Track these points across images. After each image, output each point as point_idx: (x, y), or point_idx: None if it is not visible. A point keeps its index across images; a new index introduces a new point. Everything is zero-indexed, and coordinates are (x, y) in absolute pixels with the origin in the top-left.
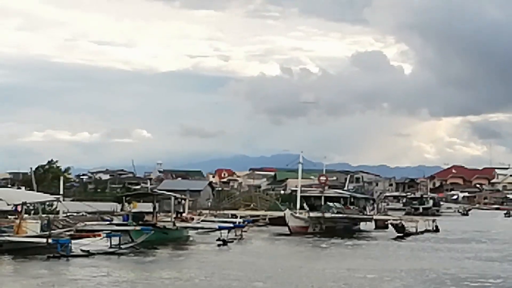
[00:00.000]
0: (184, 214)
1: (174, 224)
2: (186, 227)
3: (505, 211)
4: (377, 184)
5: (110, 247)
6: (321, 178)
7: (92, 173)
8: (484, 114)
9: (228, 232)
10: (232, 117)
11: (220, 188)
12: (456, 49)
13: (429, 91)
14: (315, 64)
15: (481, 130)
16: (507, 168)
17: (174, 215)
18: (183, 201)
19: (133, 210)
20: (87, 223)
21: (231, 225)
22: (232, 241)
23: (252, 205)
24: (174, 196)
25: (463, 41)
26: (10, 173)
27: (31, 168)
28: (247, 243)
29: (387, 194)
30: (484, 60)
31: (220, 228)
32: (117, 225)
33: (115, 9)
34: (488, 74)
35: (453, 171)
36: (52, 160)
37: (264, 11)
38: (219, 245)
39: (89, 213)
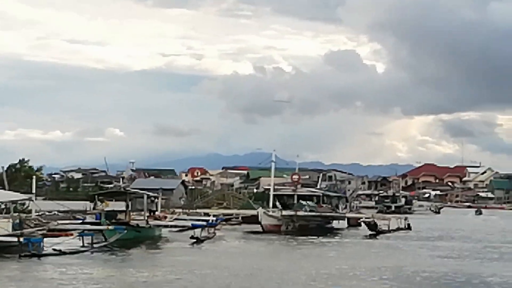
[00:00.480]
0: (157, 213)
1: (147, 223)
2: (159, 226)
3: (475, 209)
4: (349, 183)
5: (83, 246)
6: (294, 176)
7: (64, 172)
8: (456, 112)
9: (202, 231)
10: (206, 116)
11: (193, 187)
12: (429, 48)
13: (402, 89)
14: (288, 63)
15: (453, 129)
16: (478, 167)
17: (147, 214)
18: (156, 199)
19: (106, 209)
20: (59, 222)
21: (204, 223)
22: (205, 240)
23: (225, 204)
24: (147, 195)
25: (436, 40)
26: None
27: (2, 167)
28: (220, 241)
29: (360, 192)
30: (457, 59)
31: (193, 226)
32: (90, 224)
33: (88, 8)
34: (460, 73)
35: (425, 169)
36: (23, 159)
37: (237, 10)
38: (192, 243)
39: (61, 212)
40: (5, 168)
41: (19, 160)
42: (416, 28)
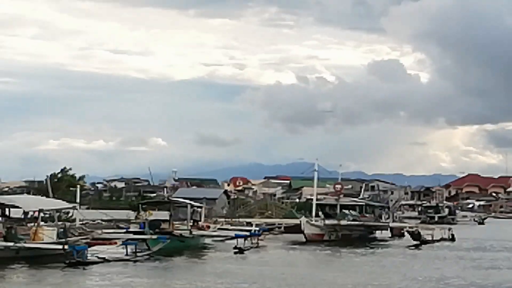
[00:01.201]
0: (200, 222)
1: (190, 232)
2: (202, 235)
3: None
4: (392, 193)
5: (126, 255)
6: (337, 186)
7: (107, 181)
8: (501, 122)
9: (244, 240)
10: (248, 126)
11: (235, 197)
12: (474, 57)
13: (446, 99)
14: (331, 73)
15: (497, 139)
16: None
17: (190, 223)
18: (199, 209)
19: (149, 218)
20: (103, 231)
21: (247, 233)
22: (248, 249)
23: (267, 213)
24: (191, 204)
25: (481, 50)
26: (25, 181)
27: (47, 176)
28: (263, 251)
29: (403, 202)
30: (502, 68)
31: (236, 236)
32: (134, 233)
33: (130, 18)
34: (505, 82)
35: (469, 179)
36: (65, 168)
37: (279, 20)
38: (235, 253)
39: (104, 221)
40: (48, 177)
41: (61, 169)
42: (460, 37)
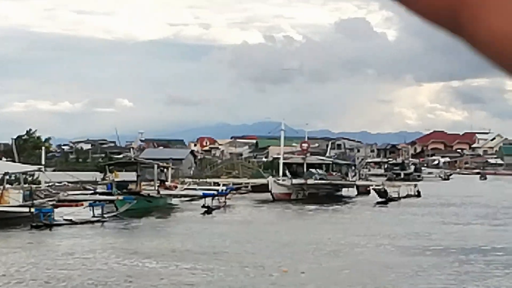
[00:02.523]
0: (167, 183)
1: (158, 192)
2: (170, 195)
3: (479, 175)
4: (358, 151)
5: (93, 216)
6: (303, 145)
7: (74, 143)
8: (467, 79)
9: (212, 200)
10: (216, 86)
11: (202, 157)
12: None
13: (413, 57)
14: (297, 31)
15: (463, 95)
16: (487, 133)
17: (157, 183)
18: (166, 169)
19: (116, 179)
20: (71, 192)
21: (215, 192)
22: (216, 209)
23: (234, 173)
24: (157, 165)
25: None
26: None
27: (12, 139)
28: (231, 210)
29: (369, 160)
30: None
31: (204, 196)
32: (101, 194)
33: None
34: None
35: (434, 136)
36: (30, 130)
37: None
38: (203, 212)
39: (71, 182)
40: (14, 140)
41: (26, 131)
42: None
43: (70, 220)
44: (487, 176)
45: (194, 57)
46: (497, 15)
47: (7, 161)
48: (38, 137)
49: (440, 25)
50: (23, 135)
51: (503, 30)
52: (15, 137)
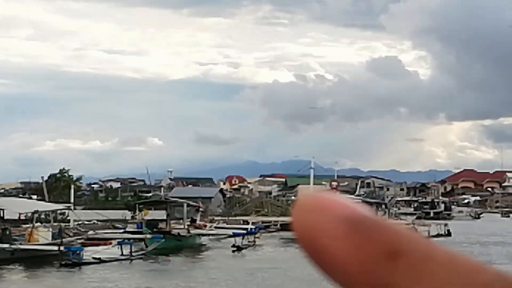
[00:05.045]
0: (197, 221)
1: (188, 231)
2: (199, 234)
3: (501, 212)
4: (388, 189)
5: (122, 255)
6: (333, 183)
7: (103, 181)
8: (501, 117)
9: (242, 239)
10: (245, 124)
11: (231, 195)
12: (474, 52)
13: (446, 95)
14: (325, 70)
15: (493, 134)
16: None
17: (187, 222)
18: (199, 208)
19: (146, 218)
20: (99, 231)
21: (244, 231)
22: (245, 247)
23: (263, 212)
24: (187, 203)
25: (482, 44)
26: (21, 183)
27: (42, 177)
28: (260, 249)
29: (398, 198)
30: (503, 63)
31: (234, 235)
32: (131, 233)
33: (124, 18)
34: (507, 77)
35: (464, 175)
36: (63, 169)
37: (273, 18)
38: (233, 251)
39: (100, 221)
40: (45, 179)
41: (59, 170)
42: (461, 33)
43: (99, 258)
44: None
45: (224, 96)
46: None
47: (37, 199)
48: (70, 176)
49: None
50: (56, 174)
51: None
52: (46, 175)
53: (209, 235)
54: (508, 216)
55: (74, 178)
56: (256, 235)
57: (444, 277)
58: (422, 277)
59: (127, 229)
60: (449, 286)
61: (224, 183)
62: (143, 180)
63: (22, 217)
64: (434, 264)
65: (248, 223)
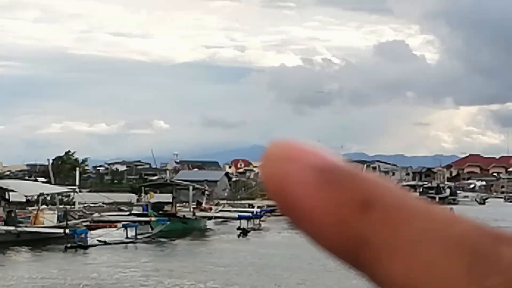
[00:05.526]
0: (203, 204)
1: (194, 214)
2: (205, 217)
3: (505, 197)
4: (393, 174)
5: (127, 237)
6: None
7: (109, 164)
8: (506, 102)
9: (247, 222)
10: (252, 108)
11: (236, 179)
12: (483, 36)
13: (454, 80)
14: (332, 54)
15: (500, 119)
16: None
17: (193, 205)
18: (205, 191)
19: (152, 201)
20: (107, 214)
21: (250, 214)
22: (251, 231)
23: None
24: (193, 186)
25: (490, 28)
26: (27, 165)
27: (48, 160)
28: (266, 232)
29: (404, 183)
30: (511, 47)
31: (240, 218)
32: (137, 215)
33: (131, 1)
34: None
35: (470, 160)
36: (69, 151)
37: (279, 1)
38: (239, 234)
39: (106, 203)
40: (51, 161)
41: (65, 153)
42: (470, 17)
43: (104, 241)
44: None
45: (230, 79)
46: (398, 261)
47: (43, 182)
48: (76, 159)
49: (342, 259)
50: (61, 156)
51: (403, 276)
52: (52, 158)
53: (214, 218)
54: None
55: (80, 161)
56: (261, 219)
57: (419, 227)
58: (397, 228)
59: (133, 212)
60: (424, 236)
61: (230, 167)
62: (149, 163)
63: (28, 199)
64: (408, 214)
65: (253, 207)
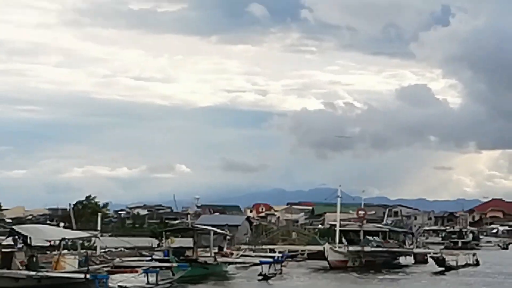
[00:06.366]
0: (224, 249)
1: (215, 260)
2: (226, 262)
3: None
4: (415, 218)
5: (148, 283)
6: (360, 212)
7: (130, 208)
8: None
9: (269, 267)
10: (273, 152)
11: (258, 223)
12: (506, 80)
13: (476, 124)
14: (353, 98)
15: None
16: None
17: (215, 250)
18: (227, 236)
19: (172, 245)
20: (126, 259)
21: (271, 260)
22: (272, 276)
23: (290, 240)
24: (214, 231)
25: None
26: (49, 209)
27: (70, 204)
28: (287, 278)
29: (426, 228)
30: None
31: (261, 263)
32: (158, 260)
33: (153, 45)
34: None
35: (493, 204)
36: (90, 196)
37: (301, 46)
38: (260, 280)
39: (127, 248)
40: (72, 205)
41: (86, 197)
42: (491, 61)
43: (125, 286)
44: None
45: (252, 123)
46: None
47: (64, 226)
48: (97, 203)
49: None
50: (83, 201)
51: None
52: (73, 202)
53: (235, 263)
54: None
55: (101, 205)
56: (282, 264)
57: None
58: None
59: (154, 257)
60: None
61: (251, 211)
62: (170, 207)
63: (51, 244)
64: None
65: (274, 252)
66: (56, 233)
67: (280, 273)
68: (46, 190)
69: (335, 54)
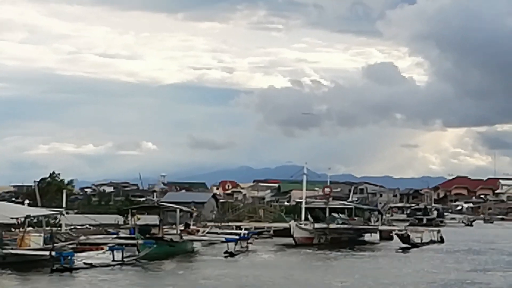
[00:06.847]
0: (190, 226)
1: (181, 237)
2: (192, 240)
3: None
4: (381, 195)
5: (113, 260)
6: (326, 189)
7: (96, 185)
8: (494, 124)
9: (235, 245)
10: (240, 129)
11: (224, 200)
12: (472, 59)
13: (443, 102)
14: (320, 76)
15: (487, 140)
16: (511, 179)
17: (181, 228)
18: (193, 213)
19: (138, 223)
20: (93, 236)
21: (237, 237)
22: (238, 253)
23: (256, 217)
24: (180, 209)
25: (480, 51)
26: (14, 186)
27: (34, 181)
28: (253, 255)
29: (391, 205)
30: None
31: (227, 241)
32: (124, 238)
33: (119, 22)
34: (505, 84)
35: (457, 182)
36: (54, 173)
37: (267, 23)
38: (226, 257)
39: (92, 226)
40: (37, 182)
41: (50, 174)
42: (459, 39)
43: (90, 264)
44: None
45: (218, 101)
46: None
47: (29, 204)
48: (61, 180)
49: None
50: (47, 178)
51: None
52: (38, 179)
53: (202, 240)
54: (491, 222)
55: (66, 182)
56: (249, 241)
57: None
58: None
59: (120, 234)
60: None
61: (217, 188)
62: (136, 185)
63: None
64: None
65: (241, 229)
66: (21, 210)
67: (246, 250)
68: (11, 167)
69: (302, 31)
